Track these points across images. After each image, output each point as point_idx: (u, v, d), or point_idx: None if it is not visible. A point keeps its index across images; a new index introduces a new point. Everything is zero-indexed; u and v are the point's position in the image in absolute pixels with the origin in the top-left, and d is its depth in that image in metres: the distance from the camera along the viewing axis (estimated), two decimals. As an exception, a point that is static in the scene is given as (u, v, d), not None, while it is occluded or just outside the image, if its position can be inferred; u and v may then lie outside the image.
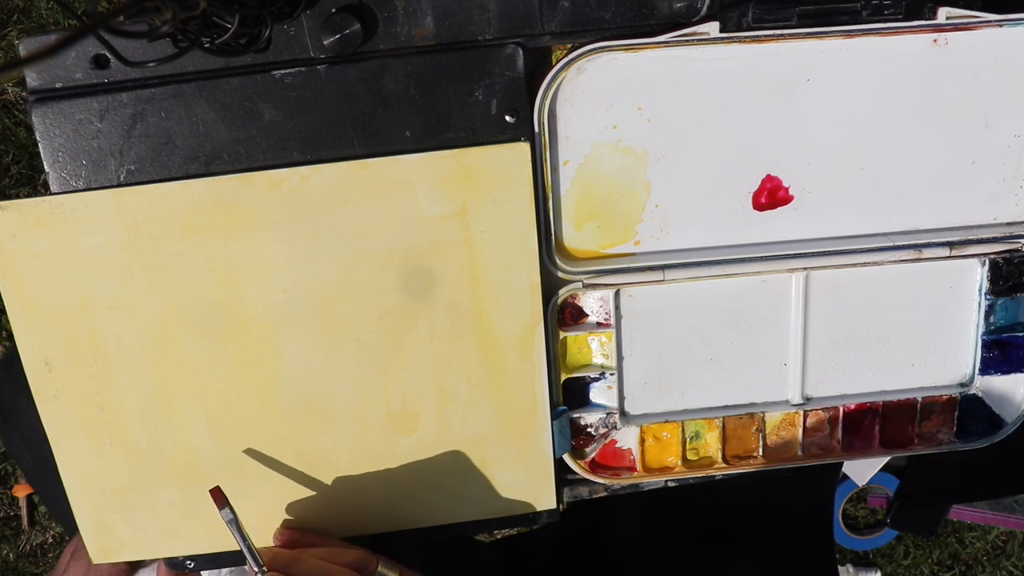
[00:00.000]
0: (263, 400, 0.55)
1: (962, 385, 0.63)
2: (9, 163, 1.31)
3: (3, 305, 0.52)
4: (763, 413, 0.62)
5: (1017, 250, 0.60)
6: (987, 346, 0.62)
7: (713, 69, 0.53)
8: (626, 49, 0.51)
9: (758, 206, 0.57)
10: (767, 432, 0.63)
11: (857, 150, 0.56)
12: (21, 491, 1.33)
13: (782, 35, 0.51)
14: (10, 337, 0.60)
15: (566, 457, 0.60)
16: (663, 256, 0.57)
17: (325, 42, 0.49)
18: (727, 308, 0.60)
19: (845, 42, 0.53)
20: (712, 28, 0.51)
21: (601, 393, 0.61)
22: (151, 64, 0.45)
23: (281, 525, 0.57)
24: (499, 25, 0.51)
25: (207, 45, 0.47)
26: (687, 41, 0.51)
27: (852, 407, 0.63)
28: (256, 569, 0.50)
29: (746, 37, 0.51)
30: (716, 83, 0.53)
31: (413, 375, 0.56)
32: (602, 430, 0.61)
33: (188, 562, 0.58)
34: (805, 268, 0.59)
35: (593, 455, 0.62)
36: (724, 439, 0.63)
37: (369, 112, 0.51)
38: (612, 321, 0.58)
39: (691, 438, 0.63)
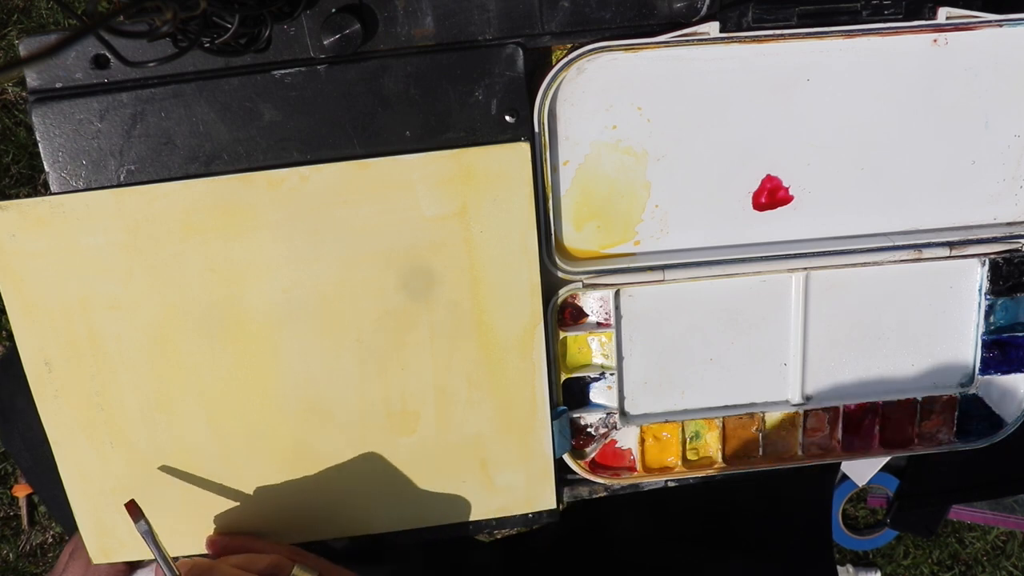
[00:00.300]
0: (263, 400, 0.55)
1: (962, 385, 0.63)
2: (9, 163, 1.31)
3: (3, 305, 0.52)
4: (763, 413, 0.62)
5: (1017, 250, 0.60)
6: (987, 346, 0.62)
7: (713, 69, 0.53)
8: (626, 49, 0.51)
9: (758, 206, 0.57)
10: (767, 432, 0.63)
11: (857, 150, 0.56)
12: (21, 491, 1.33)
13: (782, 35, 0.51)
14: (10, 337, 0.60)
15: (566, 457, 0.60)
16: (663, 256, 0.57)
17: (325, 42, 0.49)
18: (727, 308, 0.60)
19: (845, 42, 0.53)
20: (712, 28, 0.51)
21: (601, 393, 0.61)
22: (151, 64, 0.45)
23: (213, 532, 0.57)
24: (499, 25, 0.51)
25: (207, 45, 0.47)
26: (687, 41, 0.51)
27: (852, 407, 0.63)
28: None
29: (746, 37, 0.51)
30: (716, 83, 0.53)
31: (413, 375, 0.56)
32: (602, 430, 0.61)
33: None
34: (805, 268, 0.59)
35: (593, 455, 0.62)
36: (724, 439, 0.63)
37: (369, 112, 0.51)
38: (612, 321, 0.58)
39: (691, 438, 0.63)
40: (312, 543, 0.59)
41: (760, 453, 0.63)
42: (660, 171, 0.56)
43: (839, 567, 1.41)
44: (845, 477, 1.19)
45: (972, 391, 0.63)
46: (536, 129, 0.52)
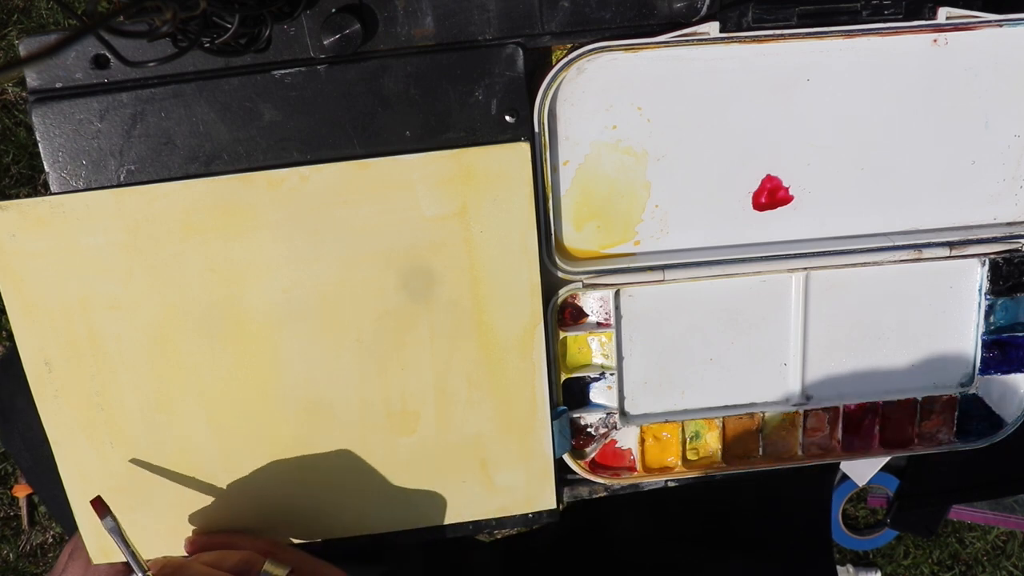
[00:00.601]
0: (263, 400, 0.55)
1: (962, 385, 0.63)
2: (9, 163, 1.31)
3: (3, 305, 0.52)
4: (763, 413, 0.62)
5: (1017, 250, 0.60)
6: (987, 346, 0.62)
7: (713, 69, 0.53)
8: (626, 49, 0.51)
9: (758, 206, 0.57)
10: (767, 432, 0.63)
11: (857, 150, 0.56)
12: (21, 491, 1.33)
13: (782, 35, 0.51)
14: (10, 337, 0.60)
15: (566, 457, 0.60)
16: (663, 256, 0.57)
17: (325, 42, 0.49)
18: (727, 308, 0.60)
19: (845, 42, 0.53)
20: (712, 28, 0.51)
21: (601, 393, 0.61)
22: (151, 64, 0.45)
23: (193, 532, 0.57)
24: (499, 25, 0.51)
25: (207, 45, 0.47)
26: (687, 41, 0.51)
27: (852, 407, 0.63)
28: None
29: (746, 37, 0.51)
30: (716, 83, 0.53)
31: (413, 375, 0.56)
32: (602, 430, 0.61)
33: None
34: (805, 268, 0.59)
35: (593, 455, 0.62)
36: (724, 439, 0.63)
37: (369, 112, 0.51)
38: (612, 321, 0.58)
39: (691, 438, 0.63)
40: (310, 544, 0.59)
41: (760, 453, 0.63)
42: (660, 171, 0.56)
43: (839, 567, 1.41)
44: (845, 477, 1.19)
45: (972, 391, 0.63)
46: (536, 129, 0.52)
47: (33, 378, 0.53)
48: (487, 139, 0.52)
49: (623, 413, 0.61)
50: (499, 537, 0.93)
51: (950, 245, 0.59)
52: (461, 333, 0.55)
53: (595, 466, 0.62)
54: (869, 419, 0.63)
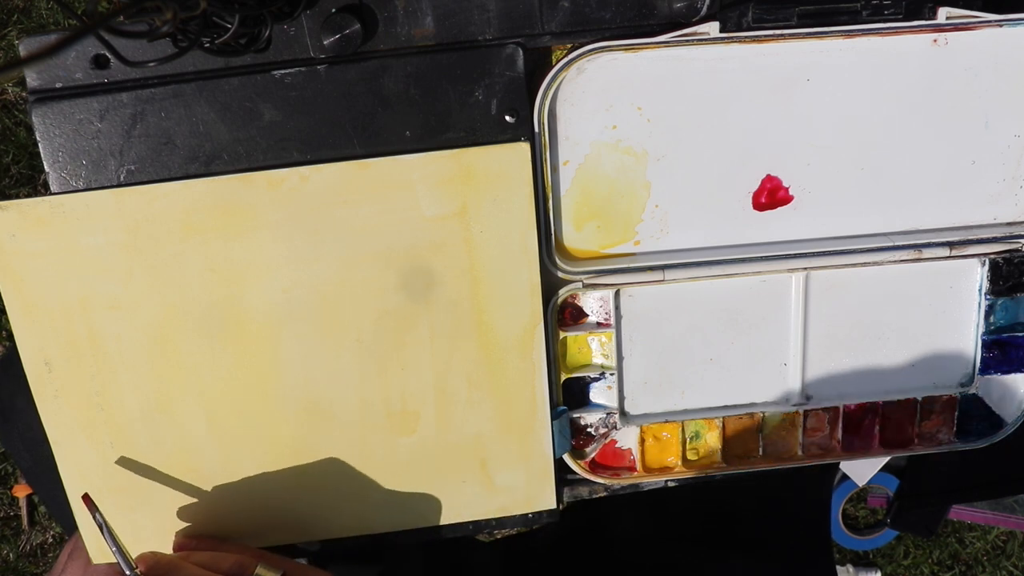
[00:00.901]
0: (263, 400, 0.55)
1: (962, 385, 0.63)
2: (9, 163, 1.31)
3: (3, 305, 0.52)
4: (763, 413, 0.62)
5: (1017, 250, 0.60)
6: (987, 346, 0.62)
7: (713, 69, 0.53)
8: (626, 49, 0.51)
9: (758, 206, 0.57)
10: (767, 432, 0.63)
11: (857, 150, 0.56)
12: (21, 491, 1.33)
13: (782, 35, 0.51)
14: (10, 337, 0.60)
15: (566, 457, 0.60)
16: (663, 256, 0.57)
17: (325, 42, 0.49)
18: (727, 308, 0.60)
19: (845, 42, 0.53)
20: (712, 28, 0.51)
21: (601, 393, 0.61)
22: (151, 64, 0.45)
23: (182, 532, 0.57)
24: (499, 25, 0.51)
25: (207, 45, 0.47)
26: (687, 41, 0.51)
27: (852, 407, 0.63)
28: (128, 573, 0.51)
29: (746, 37, 0.51)
30: (716, 83, 0.53)
31: (413, 375, 0.56)
32: (602, 430, 0.61)
33: None
34: (805, 268, 0.59)
35: (593, 455, 0.62)
36: (724, 439, 0.63)
37: (369, 112, 0.51)
38: (612, 321, 0.58)
39: (691, 438, 0.63)
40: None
41: (760, 453, 0.63)
42: (660, 171, 0.56)
43: (839, 567, 1.41)
44: (845, 477, 1.19)
45: (972, 391, 0.63)
46: (536, 129, 0.52)
47: (33, 378, 0.53)
48: (487, 139, 0.52)
49: (623, 413, 0.61)
50: (499, 537, 0.93)
51: (950, 245, 0.59)
52: (461, 333, 0.55)
53: (595, 466, 0.62)
54: (869, 419, 0.63)
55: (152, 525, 0.57)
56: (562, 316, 0.58)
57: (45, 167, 0.51)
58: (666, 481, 0.64)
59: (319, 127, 0.51)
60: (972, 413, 0.64)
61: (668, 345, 0.60)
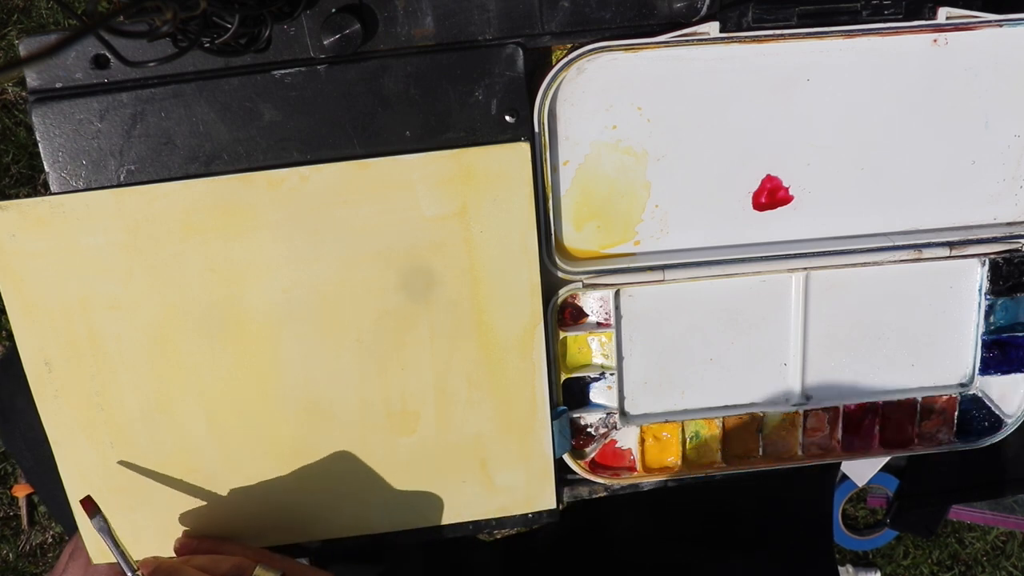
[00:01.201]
0: (263, 400, 0.55)
1: (962, 385, 0.63)
2: (9, 163, 1.31)
3: (3, 305, 0.52)
4: (763, 413, 0.62)
5: (1017, 250, 0.60)
6: (987, 346, 0.62)
7: (713, 69, 0.53)
8: (626, 49, 0.51)
9: (758, 206, 0.57)
10: (767, 432, 0.63)
11: (857, 150, 0.56)
12: (21, 491, 1.33)
13: (782, 35, 0.51)
14: (10, 337, 0.60)
15: (566, 457, 0.60)
16: (663, 256, 0.57)
17: (325, 42, 0.49)
18: (727, 308, 0.60)
19: (845, 42, 0.53)
20: (712, 28, 0.51)
21: (601, 393, 0.61)
22: (151, 64, 0.45)
23: (182, 534, 0.57)
24: (499, 25, 0.51)
25: (207, 45, 0.47)
26: (687, 41, 0.51)
27: (852, 407, 0.63)
28: (130, 575, 0.51)
29: (746, 37, 0.51)
30: (716, 83, 0.53)
31: (413, 375, 0.56)
32: (602, 430, 0.61)
33: None
34: (805, 268, 0.59)
35: (593, 455, 0.62)
36: (724, 439, 0.63)
37: (369, 112, 0.51)
38: (612, 321, 0.58)
39: (691, 438, 0.63)
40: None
41: (760, 453, 0.63)
42: (660, 171, 0.56)
43: (839, 567, 1.41)
44: (845, 477, 1.19)
45: (972, 391, 0.63)
46: (536, 129, 0.52)
47: (33, 378, 0.53)
48: (487, 139, 0.52)
49: (623, 413, 0.61)
50: (499, 537, 0.93)
51: (950, 245, 0.59)
52: (461, 333, 0.55)
53: (595, 466, 0.62)
54: (869, 419, 0.63)
55: (152, 525, 0.57)
56: (562, 316, 0.58)
57: (45, 167, 0.51)
58: (666, 481, 0.64)
59: (319, 127, 0.51)
60: (972, 413, 0.64)
61: (668, 345, 0.60)
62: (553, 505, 0.60)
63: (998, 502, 1.40)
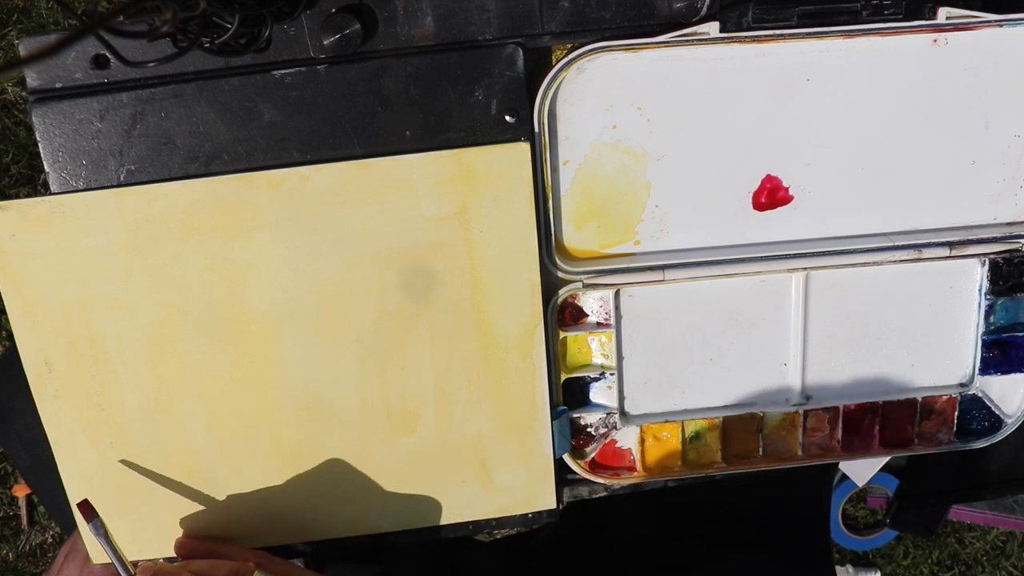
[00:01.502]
0: (263, 400, 0.55)
1: (962, 385, 0.63)
2: (9, 163, 1.31)
3: (3, 305, 0.52)
4: (763, 413, 0.62)
5: (1017, 250, 0.60)
6: (987, 346, 0.62)
7: (713, 69, 0.53)
8: (626, 49, 0.51)
9: (758, 206, 0.57)
10: (767, 432, 0.63)
11: (857, 150, 0.56)
12: (21, 491, 1.33)
13: (782, 35, 0.51)
14: (10, 337, 0.60)
15: (566, 457, 0.60)
16: (663, 256, 0.57)
17: (325, 42, 0.49)
18: (727, 308, 0.60)
19: (845, 42, 0.53)
20: (712, 28, 0.51)
21: (601, 393, 0.61)
22: (151, 64, 0.45)
23: (182, 535, 0.57)
24: (499, 25, 0.51)
25: (207, 45, 0.47)
26: (687, 41, 0.51)
27: (852, 407, 0.63)
28: None
29: (746, 37, 0.51)
30: (716, 83, 0.53)
31: (413, 375, 0.56)
32: (602, 430, 0.61)
33: None
34: (805, 268, 0.59)
35: (593, 455, 0.62)
36: (724, 439, 0.63)
37: (369, 112, 0.51)
38: (612, 321, 0.58)
39: (691, 438, 0.63)
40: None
41: (760, 453, 0.63)
42: (660, 171, 0.56)
43: (839, 567, 1.41)
44: (845, 477, 1.19)
45: (972, 391, 0.63)
46: (536, 129, 0.52)
47: (33, 378, 0.53)
48: (487, 139, 0.52)
49: (623, 413, 0.61)
50: (499, 537, 0.93)
51: (950, 245, 0.59)
52: (461, 333, 0.55)
53: (595, 466, 0.62)
54: (869, 419, 0.63)
55: (152, 525, 0.57)
56: (562, 316, 0.58)
57: (45, 167, 0.51)
58: (666, 481, 0.64)
59: (319, 127, 0.51)
60: (972, 413, 0.64)
61: (668, 345, 0.60)
62: (553, 505, 0.60)
63: (998, 502, 1.40)
